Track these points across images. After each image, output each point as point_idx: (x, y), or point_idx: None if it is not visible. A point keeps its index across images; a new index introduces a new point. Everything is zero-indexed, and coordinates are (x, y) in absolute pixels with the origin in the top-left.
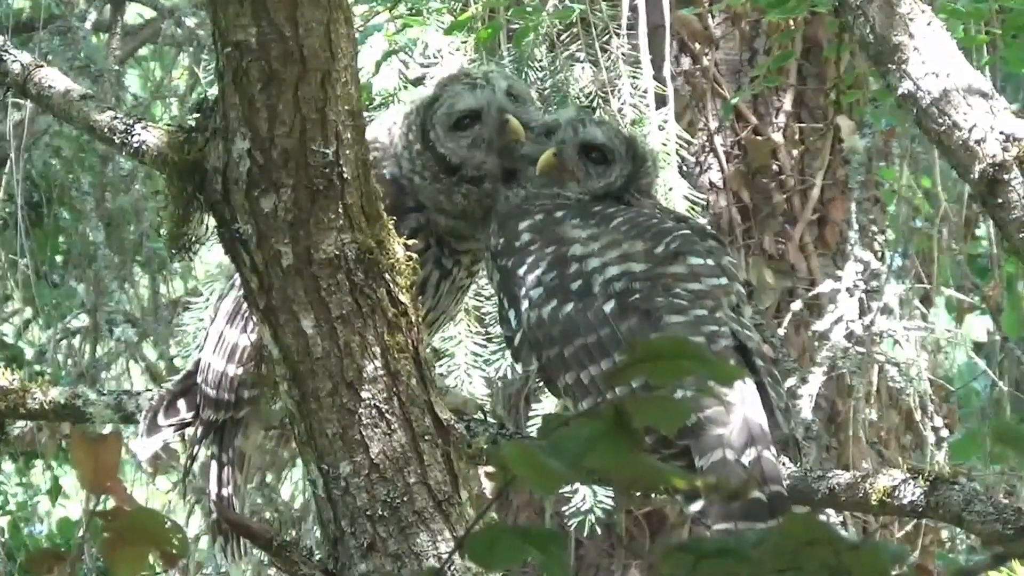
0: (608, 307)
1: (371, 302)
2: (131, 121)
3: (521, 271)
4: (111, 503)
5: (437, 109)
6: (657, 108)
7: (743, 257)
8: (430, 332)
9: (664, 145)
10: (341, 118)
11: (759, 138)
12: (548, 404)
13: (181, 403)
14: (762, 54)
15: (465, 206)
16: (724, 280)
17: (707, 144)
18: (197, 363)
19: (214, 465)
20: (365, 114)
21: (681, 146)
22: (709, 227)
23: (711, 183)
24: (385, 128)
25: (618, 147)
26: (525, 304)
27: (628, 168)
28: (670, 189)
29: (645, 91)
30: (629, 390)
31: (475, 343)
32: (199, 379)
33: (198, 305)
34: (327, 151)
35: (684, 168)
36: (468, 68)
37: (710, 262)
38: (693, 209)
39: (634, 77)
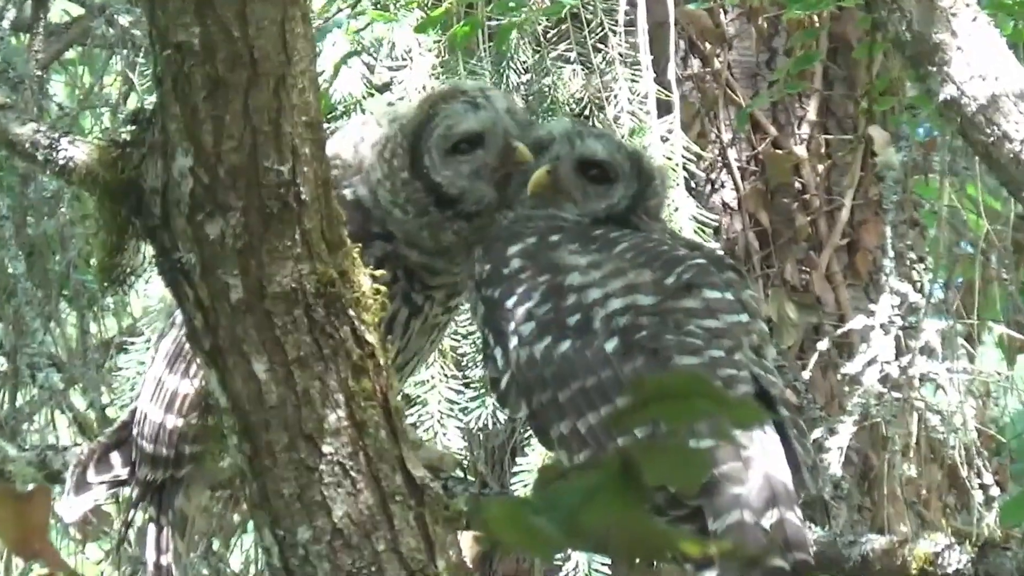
0: (610, 346)
1: (333, 342)
2: (56, 135)
3: (510, 303)
4: (39, 570)
5: (432, 131)
6: (660, 117)
7: (761, 289)
8: (400, 377)
9: (669, 160)
10: (298, 130)
11: (779, 152)
12: (537, 458)
13: (115, 456)
14: (782, 55)
15: (451, 243)
16: (744, 317)
17: (719, 159)
18: (133, 412)
19: (152, 530)
20: (325, 126)
21: (689, 161)
22: (725, 255)
23: (724, 203)
24: (349, 143)
25: (621, 163)
26: (514, 341)
27: (633, 187)
28: (676, 210)
29: (646, 97)
30: (633, 438)
31: (451, 388)
32: (135, 431)
33: (137, 346)
34: (282, 168)
35: (693, 186)
36: (460, 84)
37: (728, 296)
38: (703, 233)
39: (633, 81)
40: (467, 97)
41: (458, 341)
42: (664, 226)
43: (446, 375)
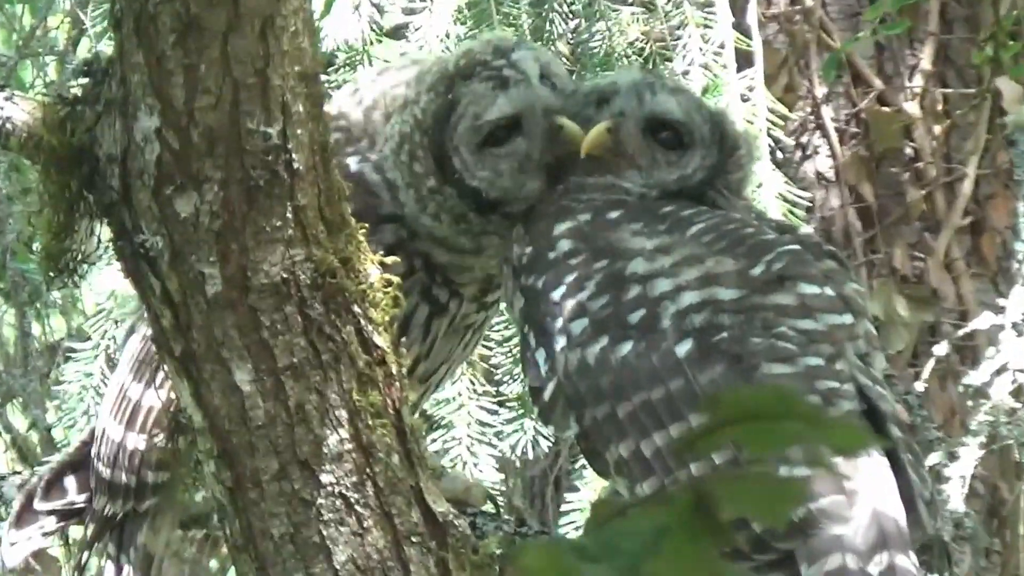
0: (682, 349)
1: (334, 346)
2: None
3: (556, 294)
4: None
5: (456, 124)
6: (739, 70)
7: (865, 280)
8: (424, 390)
9: (751, 123)
10: (289, 83)
11: (886, 110)
12: (590, 493)
13: (69, 481)
14: None
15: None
16: (847, 317)
17: (812, 119)
18: (94, 431)
19: (109, 568)
20: (324, 78)
21: (775, 124)
22: (821, 239)
23: (818, 174)
24: (356, 103)
25: (700, 126)
26: (561, 342)
27: (713, 156)
28: (759, 185)
29: (722, 47)
30: (710, 465)
31: (482, 408)
32: (93, 452)
33: (85, 353)
34: (270, 130)
35: (780, 154)
36: (477, 49)
37: (828, 291)
38: (792, 213)
39: (706, 26)
40: (490, 71)
41: (490, 349)
42: (748, 205)
43: (476, 392)
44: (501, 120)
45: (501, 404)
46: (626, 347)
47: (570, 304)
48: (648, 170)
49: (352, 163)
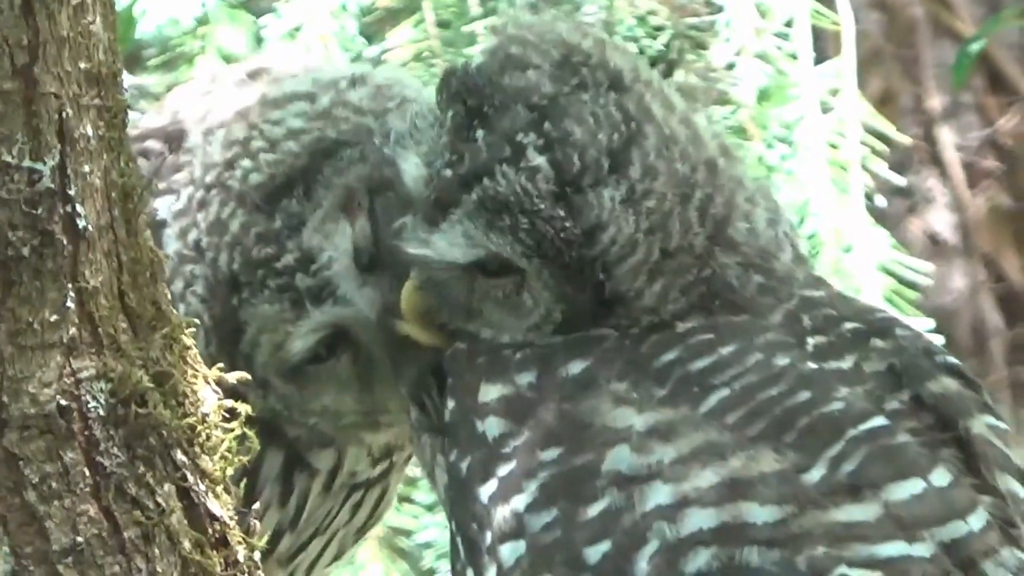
0: None
1: (144, 516)
2: None
3: (484, 491)
4: None
5: (251, 348)
6: (819, 61)
7: (1010, 416)
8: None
9: (834, 148)
10: (71, 90)
11: None
12: None
13: None
14: None
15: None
16: (975, 516)
17: (924, 145)
18: None
19: None
20: (128, 81)
21: (876, 152)
22: (935, 342)
23: (932, 237)
24: (198, 117)
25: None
26: (491, 571)
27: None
28: (846, 251)
29: (789, 23)
30: None
31: None
32: None
33: None
34: (39, 166)
35: (881, 201)
36: (255, 240)
37: (938, 479)
38: (894, 303)
39: None
40: (279, 279)
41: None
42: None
43: None
44: (316, 347)
45: None
46: None
47: (501, 513)
48: (502, 324)
49: (162, 206)
